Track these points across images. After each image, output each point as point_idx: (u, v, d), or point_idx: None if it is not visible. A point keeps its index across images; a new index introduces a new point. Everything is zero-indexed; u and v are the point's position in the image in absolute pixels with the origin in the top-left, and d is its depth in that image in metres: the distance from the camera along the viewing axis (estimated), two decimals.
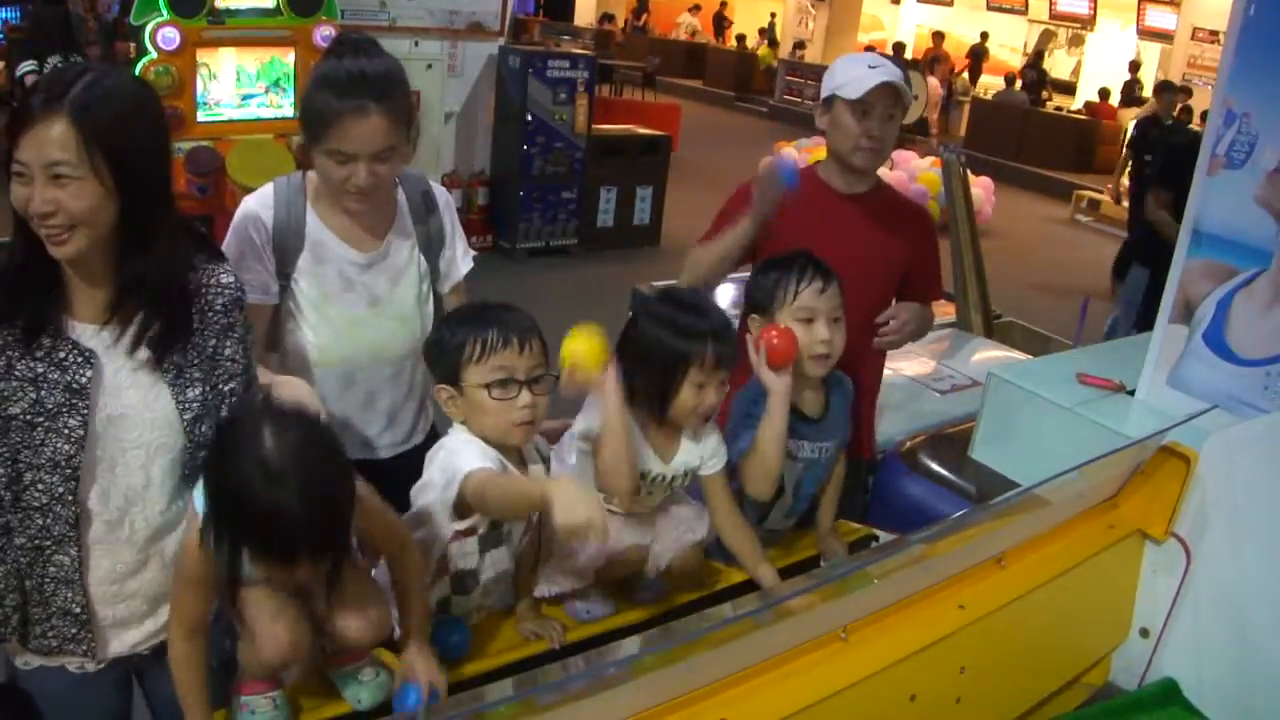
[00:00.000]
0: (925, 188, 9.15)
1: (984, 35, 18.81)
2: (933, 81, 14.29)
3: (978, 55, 18.59)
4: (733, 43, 21.37)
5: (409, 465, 1.78)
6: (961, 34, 19.34)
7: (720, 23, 22.91)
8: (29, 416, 1.49)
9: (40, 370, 1.49)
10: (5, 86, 8.67)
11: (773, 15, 21.98)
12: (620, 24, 22.53)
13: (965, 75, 17.84)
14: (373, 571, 1.69)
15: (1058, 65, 18.64)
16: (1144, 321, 2.55)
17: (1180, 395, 2.38)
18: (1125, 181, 9.29)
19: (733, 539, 1.94)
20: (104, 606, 1.60)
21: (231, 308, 1.62)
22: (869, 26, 20.86)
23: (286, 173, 2.07)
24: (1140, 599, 1.95)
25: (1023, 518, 1.75)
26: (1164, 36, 16.12)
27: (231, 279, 1.64)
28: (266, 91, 6.12)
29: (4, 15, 9.94)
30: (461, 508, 1.62)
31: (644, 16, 23.52)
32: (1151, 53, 16.59)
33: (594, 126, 7.97)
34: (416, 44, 7.11)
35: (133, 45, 6.18)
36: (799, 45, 19.63)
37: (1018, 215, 11.50)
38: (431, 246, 2.11)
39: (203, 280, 1.60)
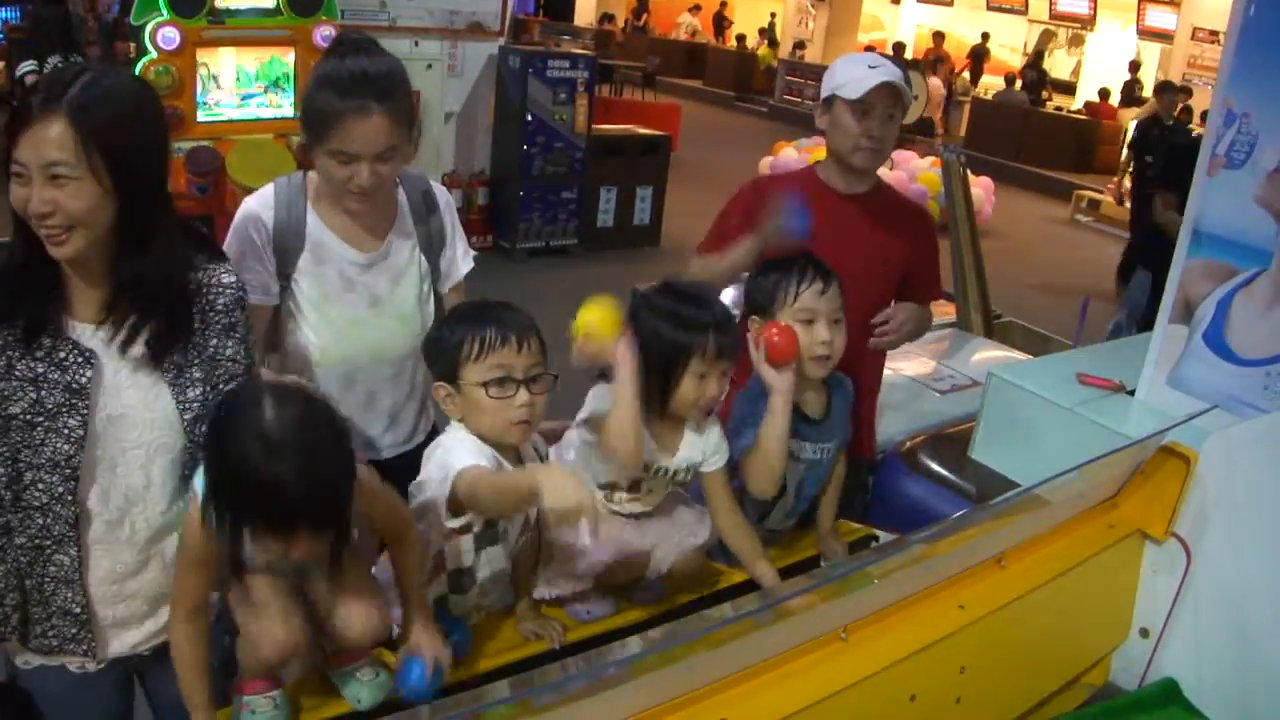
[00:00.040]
0: (925, 188, 9.15)
1: (985, 36, 18.81)
2: (935, 82, 14.29)
3: (979, 56, 18.60)
4: (733, 43, 21.38)
5: (411, 465, 1.78)
6: (962, 34, 19.34)
7: (720, 23, 22.91)
8: (29, 416, 1.49)
9: (40, 370, 1.49)
10: (5, 86, 8.67)
11: (773, 15, 21.98)
12: (620, 24, 22.53)
13: (965, 75, 17.83)
14: (373, 569, 1.69)
15: (1058, 65, 18.64)
16: (1147, 325, 2.54)
17: (1180, 395, 2.38)
18: (1128, 183, 9.29)
19: (733, 538, 1.94)
20: (104, 606, 1.60)
21: (233, 307, 1.62)
22: (869, 26, 20.86)
23: (287, 173, 2.07)
24: (1140, 599, 1.95)
25: (1023, 518, 1.75)
26: (1164, 36, 16.12)
27: (233, 278, 1.64)
28: (266, 91, 6.12)
29: (4, 15, 9.94)
30: (454, 505, 1.62)
31: (644, 16, 23.52)
32: (1151, 53, 16.59)
33: (594, 126, 7.97)
34: (416, 44, 7.11)
35: (133, 45, 6.18)
36: (799, 45, 19.63)
37: (1018, 215, 11.50)
38: (432, 246, 2.11)
39: (204, 280, 1.60)
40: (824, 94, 2.45)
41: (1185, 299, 2.40)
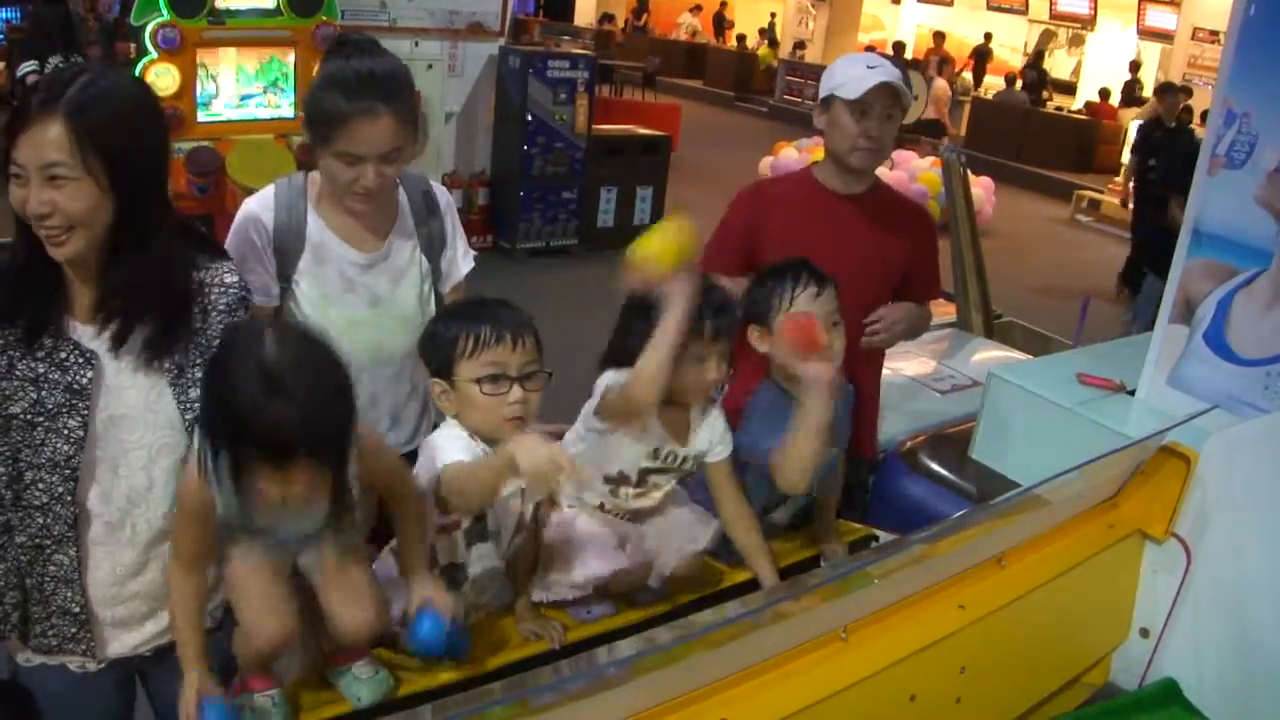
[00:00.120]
0: (925, 188, 9.16)
1: (988, 36, 18.82)
2: (942, 83, 14.28)
3: (981, 56, 18.60)
4: (733, 43, 21.38)
5: (413, 465, 1.78)
6: (962, 34, 19.34)
7: (720, 23, 22.91)
8: (29, 416, 1.49)
9: (41, 370, 1.49)
10: (5, 87, 8.68)
11: (773, 15, 21.98)
12: (620, 24, 22.53)
13: (965, 75, 17.83)
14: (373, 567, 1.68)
15: (1058, 65, 18.65)
16: None
17: (1180, 395, 2.38)
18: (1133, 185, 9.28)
19: (738, 529, 1.93)
20: (104, 607, 1.60)
21: (235, 307, 1.62)
22: (869, 26, 20.86)
23: (287, 173, 2.07)
24: (1140, 599, 1.95)
25: (1023, 518, 1.75)
26: (1164, 36, 16.12)
27: (235, 278, 1.64)
28: (265, 92, 6.12)
29: (4, 15, 9.94)
30: (442, 502, 1.62)
31: (644, 16, 23.52)
32: (1152, 53, 16.59)
33: (594, 126, 7.97)
34: (417, 44, 7.11)
35: (133, 45, 6.19)
36: (799, 45, 19.63)
37: (1018, 215, 11.50)
38: (433, 247, 2.11)
39: (206, 279, 1.60)
40: (822, 94, 2.45)
41: (1185, 299, 2.40)
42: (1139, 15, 16.66)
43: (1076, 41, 18.91)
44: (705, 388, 1.84)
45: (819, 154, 2.60)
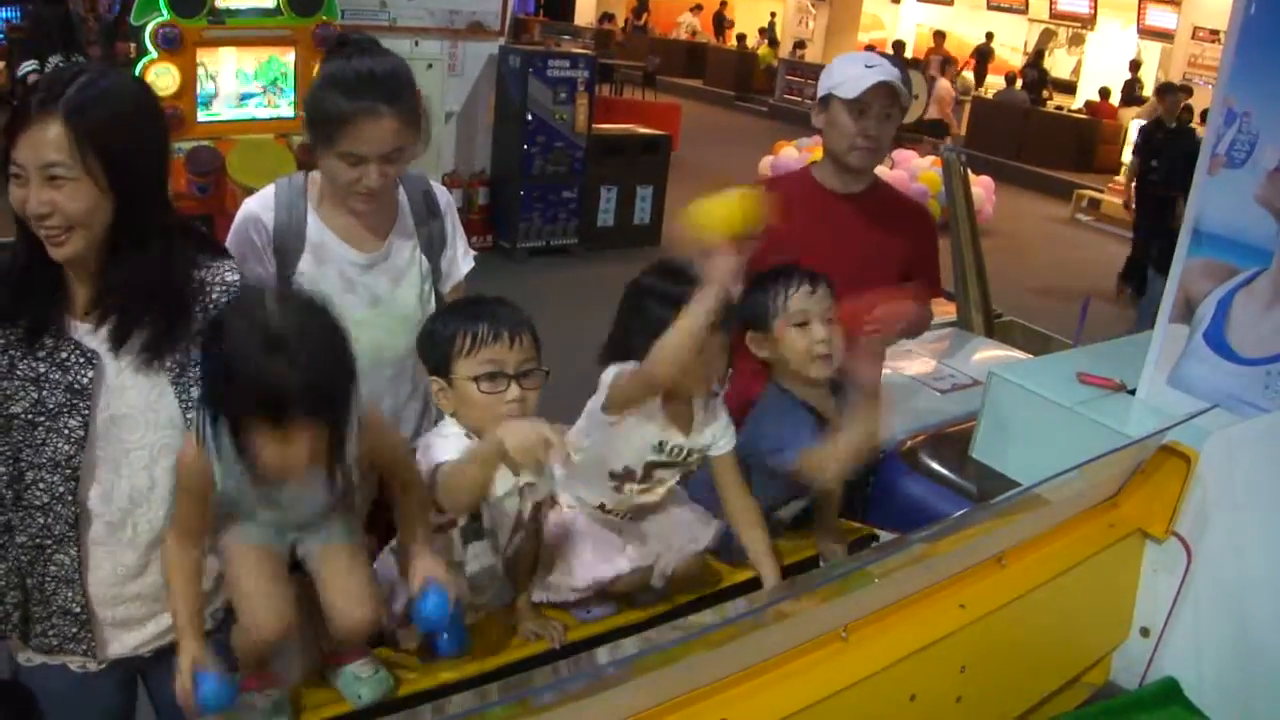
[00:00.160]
0: (925, 187, 9.16)
1: (989, 35, 18.81)
2: (945, 83, 14.28)
3: (983, 55, 18.59)
4: (733, 42, 21.38)
5: None
6: (962, 33, 19.34)
7: (720, 22, 22.91)
8: (30, 416, 1.49)
9: (42, 370, 1.49)
10: (5, 87, 8.68)
11: (773, 15, 21.98)
12: (620, 24, 22.54)
13: (965, 74, 17.83)
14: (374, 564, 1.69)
15: (1058, 64, 18.64)
16: None
17: (1181, 394, 2.38)
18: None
19: (743, 525, 1.92)
20: (104, 608, 1.60)
21: None
22: (869, 26, 20.86)
23: (287, 173, 2.06)
24: (1141, 598, 1.95)
25: (1023, 517, 1.74)
26: (1164, 36, 16.12)
27: (236, 276, 1.64)
28: (264, 91, 6.12)
29: (4, 15, 9.94)
30: (436, 502, 1.62)
31: (644, 16, 23.52)
32: (1152, 52, 16.59)
33: (594, 126, 7.98)
34: (417, 44, 7.12)
35: (133, 45, 6.19)
36: (799, 45, 19.63)
37: (1018, 215, 11.50)
38: (433, 247, 2.11)
39: (207, 278, 1.60)
40: (820, 93, 2.45)
41: (1186, 298, 2.40)
42: (1139, 14, 16.66)
43: (1076, 41, 18.91)
44: (707, 379, 1.84)
45: (819, 153, 2.61)
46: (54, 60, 7.45)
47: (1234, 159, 2.26)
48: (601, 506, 1.87)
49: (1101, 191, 12.30)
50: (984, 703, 1.63)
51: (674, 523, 1.92)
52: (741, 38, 20.95)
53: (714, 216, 1.62)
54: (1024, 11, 19.07)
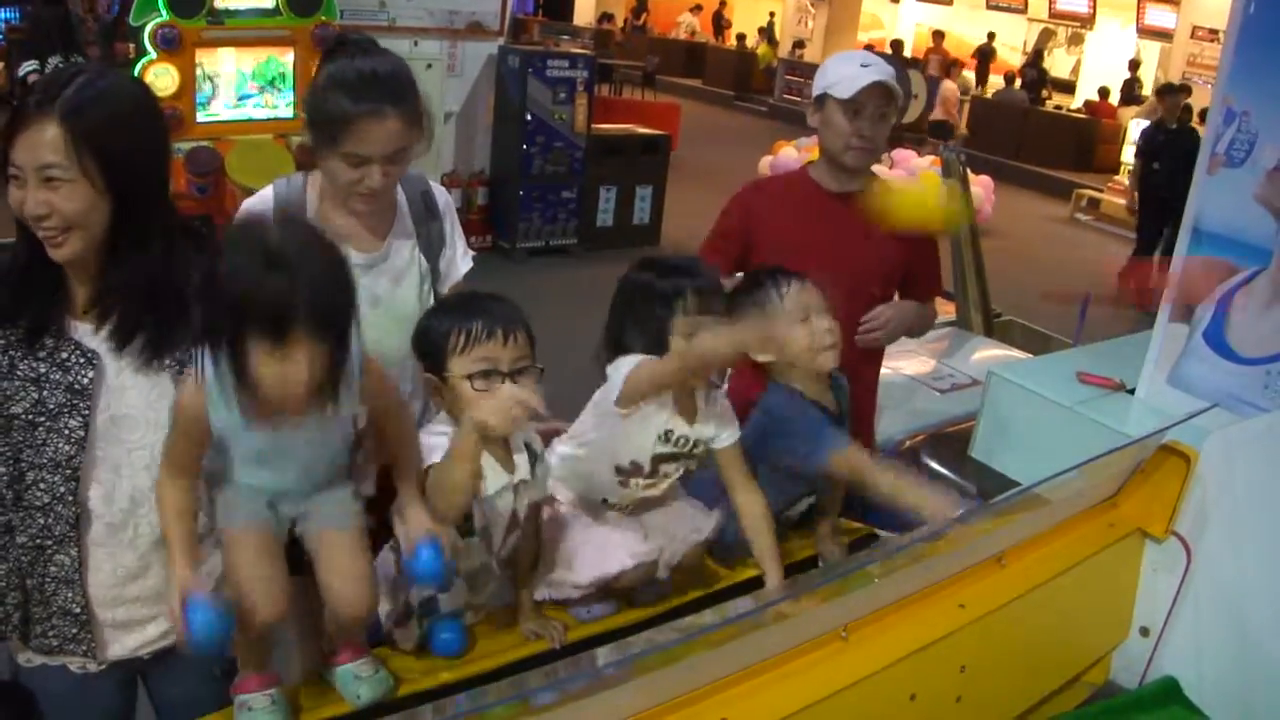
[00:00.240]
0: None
1: (991, 35, 18.82)
2: (950, 84, 14.28)
3: (985, 55, 18.59)
4: (732, 42, 21.38)
5: None
6: (961, 33, 19.35)
7: (719, 22, 22.91)
8: (31, 416, 1.49)
9: (43, 370, 1.49)
10: (5, 87, 8.68)
11: (771, 14, 21.98)
12: (620, 23, 22.54)
13: (966, 74, 17.83)
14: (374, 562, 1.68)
15: (1057, 64, 18.65)
16: None
17: (1180, 394, 2.38)
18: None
19: (749, 516, 1.90)
20: (104, 609, 1.60)
21: None
22: (868, 25, 20.86)
23: (286, 173, 2.06)
24: (1140, 598, 1.95)
25: (1023, 517, 1.74)
26: (1164, 35, 16.13)
27: None
28: (261, 91, 6.12)
29: (4, 16, 9.95)
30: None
31: (643, 16, 23.52)
32: (1151, 51, 16.59)
33: (593, 126, 7.98)
34: (416, 44, 7.12)
35: (132, 46, 6.19)
36: (798, 44, 19.64)
37: (1018, 214, 11.50)
38: (432, 247, 2.11)
39: None
40: (815, 92, 2.45)
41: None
42: (1138, 14, 16.67)
43: (1076, 40, 18.91)
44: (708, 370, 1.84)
45: (818, 153, 2.61)
46: (54, 61, 7.46)
47: (1233, 158, 2.27)
48: (604, 502, 1.87)
49: (1101, 191, 12.30)
50: (984, 702, 1.63)
51: (675, 514, 1.91)
52: (741, 37, 20.95)
53: (919, 207, 1.59)
54: (1023, 11, 19.08)
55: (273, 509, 1.46)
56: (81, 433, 1.51)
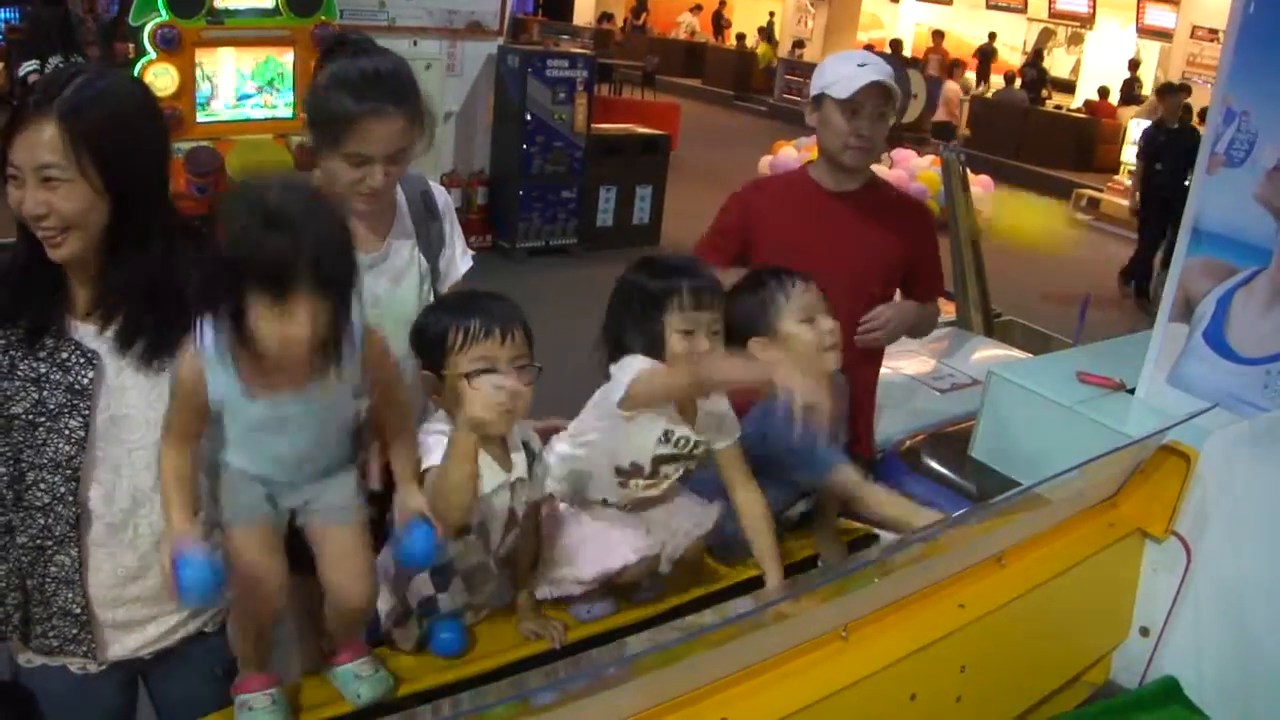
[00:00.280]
0: (925, 187, 9.15)
1: (992, 35, 18.82)
2: (953, 85, 14.28)
3: (986, 56, 18.59)
4: (732, 42, 21.38)
5: None
6: (961, 32, 19.35)
7: (719, 22, 22.91)
8: (31, 416, 1.49)
9: (43, 371, 1.49)
10: (5, 87, 8.68)
11: (771, 14, 21.98)
12: (619, 23, 22.54)
13: (967, 74, 17.83)
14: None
15: (1057, 64, 18.65)
16: None
17: (1180, 394, 2.38)
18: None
19: (749, 515, 1.90)
20: (105, 609, 1.60)
21: None
22: (868, 25, 20.86)
23: None
24: (1140, 598, 1.95)
25: (1023, 517, 1.74)
26: (1163, 35, 16.13)
27: None
28: (261, 91, 6.12)
29: (4, 16, 9.96)
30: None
31: (643, 16, 23.52)
32: (1151, 51, 16.60)
33: (593, 126, 7.98)
34: (415, 43, 7.11)
35: (131, 46, 6.19)
36: (798, 44, 19.64)
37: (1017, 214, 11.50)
38: (431, 247, 2.11)
39: None
40: (813, 91, 2.45)
41: (1185, 297, 2.40)
42: (1138, 13, 16.68)
43: (1075, 40, 18.91)
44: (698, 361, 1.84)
45: (817, 153, 2.61)
46: (54, 61, 7.47)
47: (1233, 158, 2.27)
48: (604, 502, 1.87)
49: (1100, 191, 12.29)
50: (984, 702, 1.63)
51: (676, 509, 1.91)
52: (740, 37, 20.95)
53: (1032, 231, 1.60)
54: (1023, 11, 19.08)
55: (271, 502, 1.46)
56: (82, 433, 1.51)
